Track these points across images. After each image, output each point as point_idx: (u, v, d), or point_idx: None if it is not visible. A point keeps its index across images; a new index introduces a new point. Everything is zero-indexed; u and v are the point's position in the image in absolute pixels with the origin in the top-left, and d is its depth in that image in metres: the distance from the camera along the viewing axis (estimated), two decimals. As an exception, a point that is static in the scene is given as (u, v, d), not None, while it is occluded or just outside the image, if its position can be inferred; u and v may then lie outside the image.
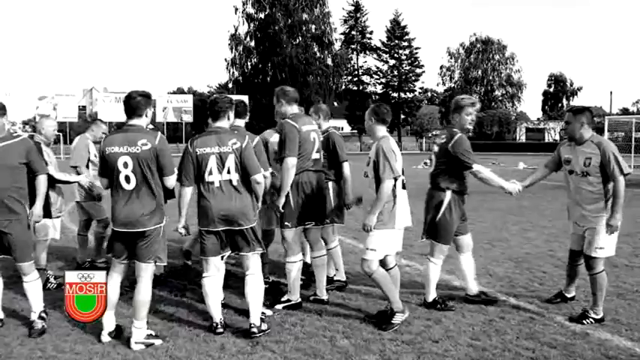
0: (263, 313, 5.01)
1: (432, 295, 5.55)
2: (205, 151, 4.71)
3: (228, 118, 4.91)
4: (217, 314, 4.87)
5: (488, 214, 12.33)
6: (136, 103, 4.52)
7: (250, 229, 4.81)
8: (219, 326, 4.82)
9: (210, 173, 4.70)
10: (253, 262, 4.89)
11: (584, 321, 5.06)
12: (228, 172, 4.71)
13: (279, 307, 5.48)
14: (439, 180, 5.50)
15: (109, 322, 4.68)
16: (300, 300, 5.55)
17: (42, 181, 4.92)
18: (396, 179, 4.93)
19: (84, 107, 53.39)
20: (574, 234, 5.51)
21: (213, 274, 4.87)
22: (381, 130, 5.13)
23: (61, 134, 48.76)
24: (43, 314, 5.00)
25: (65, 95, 49.97)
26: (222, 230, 4.77)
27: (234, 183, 4.74)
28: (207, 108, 4.92)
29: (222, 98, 4.93)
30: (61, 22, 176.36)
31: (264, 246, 5.13)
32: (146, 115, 4.58)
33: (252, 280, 4.84)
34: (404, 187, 5.24)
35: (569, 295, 5.67)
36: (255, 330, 4.70)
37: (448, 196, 5.44)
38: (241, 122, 5.56)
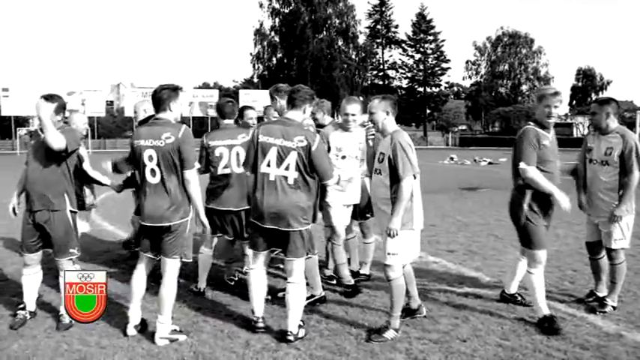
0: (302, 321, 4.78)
1: (543, 310, 4.85)
2: (268, 140, 4.51)
3: (304, 112, 4.69)
4: (260, 309, 4.75)
5: (516, 210, 12.06)
6: (159, 96, 4.49)
7: (299, 232, 4.55)
8: (259, 321, 4.72)
9: (268, 165, 4.51)
10: (297, 268, 4.62)
11: (603, 310, 5.20)
12: (287, 168, 4.48)
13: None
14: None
15: (134, 315, 4.68)
16: (323, 294, 5.49)
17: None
18: (415, 176, 4.58)
19: (111, 102, 54.09)
20: (588, 224, 5.57)
21: (260, 267, 4.73)
22: (394, 123, 4.75)
23: (89, 128, 49.49)
24: (71, 308, 5.03)
25: (93, 90, 50.61)
26: (270, 228, 4.57)
27: (290, 181, 4.49)
28: (288, 94, 4.74)
29: (304, 89, 4.71)
30: (89, 19, 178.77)
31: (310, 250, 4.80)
32: (170, 109, 4.51)
33: (293, 289, 4.59)
34: None
35: (600, 294, 5.51)
36: (291, 338, 4.52)
37: (528, 196, 4.86)
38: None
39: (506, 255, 7.60)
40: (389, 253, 4.59)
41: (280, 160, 4.48)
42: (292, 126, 4.55)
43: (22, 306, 5.01)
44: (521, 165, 4.78)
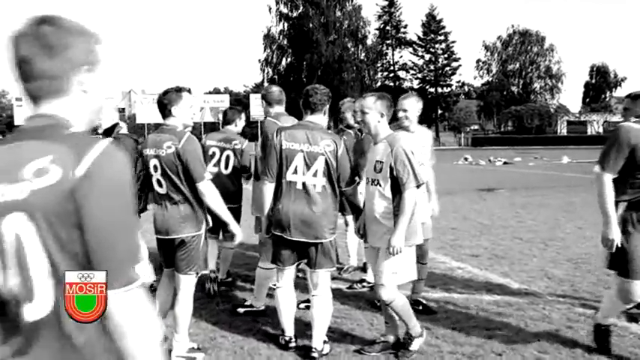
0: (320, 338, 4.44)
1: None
2: (293, 146, 4.19)
3: (325, 114, 4.42)
4: (291, 328, 4.43)
5: (538, 210, 11.76)
6: (161, 101, 4.18)
7: (328, 242, 4.28)
8: (292, 341, 4.41)
9: (295, 172, 4.19)
10: (323, 280, 4.31)
11: None
12: (315, 175, 4.17)
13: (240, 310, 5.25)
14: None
15: None
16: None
17: None
18: (419, 187, 4.04)
19: (123, 109, 54.25)
20: None
21: (288, 284, 4.39)
22: (387, 127, 4.21)
23: (100, 137, 49.66)
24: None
25: (104, 98, 50.74)
26: (297, 241, 4.24)
27: (319, 189, 4.19)
28: (302, 97, 4.39)
29: (321, 89, 4.40)
30: (100, 27, 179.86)
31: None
32: (173, 114, 4.12)
33: (319, 302, 4.29)
34: None
35: None
36: (316, 355, 4.24)
37: (620, 210, 3.94)
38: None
39: (532, 259, 7.30)
40: (386, 273, 4.03)
41: (307, 166, 4.18)
42: (317, 130, 4.26)
43: None
44: (596, 168, 4.04)
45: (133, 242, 1.38)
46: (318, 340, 4.29)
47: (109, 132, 5.62)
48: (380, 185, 4.06)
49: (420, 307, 5.17)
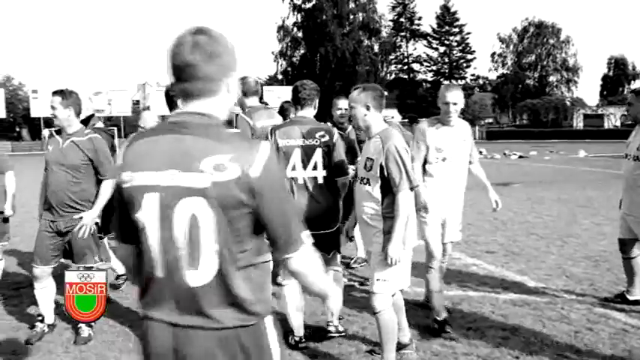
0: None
1: None
2: (289, 143, 4.20)
3: (315, 108, 4.43)
4: (300, 328, 4.33)
5: (555, 205, 11.55)
6: (168, 93, 4.17)
7: (335, 231, 4.31)
8: (302, 341, 4.30)
9: (294, 169, 4.18)
10: (335, 257, 4.40)
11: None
12: (315, 168, 4.17)
13: None
14: None
15: None
16: None
17: (105, 187, 4.56)
18: (413, 189, 3.73)
19: (137, 102, 54.37)
20: (622, 219, 5.17)
21: (294, 281, 4.33)
22: (381, 121, 3.87)
23: (115, 128, 50.03)
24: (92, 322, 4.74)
25: (119, 90, 50.92)
26: None
27: (320, 181, 4.18)
28: (292, 92, 4.43)
29: (309, 84, 4.43)
30: (115, 20, 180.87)
31: None
32: (179, 107, 4.07)
33: (334, 276, 4.35)
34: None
35: (632, 298, 5.12)
36: (332, 329, 4.39)
37: None
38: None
39: (549, 256, 7.12)
40: (377, 280, 3.74)
41: (306, 160, 4.18)
42: (309, 124, 4.29)
43: (40, 318, 4.71)
44: None
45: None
46: (335, 316, 4.38)
47: (83, 123, 5.48)
48: (369, 184, 3.76)
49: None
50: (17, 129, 56.61)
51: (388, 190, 3.67)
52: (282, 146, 4.19)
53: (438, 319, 4.54)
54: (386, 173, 3.65)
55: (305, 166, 4.18)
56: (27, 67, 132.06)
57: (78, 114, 4.54)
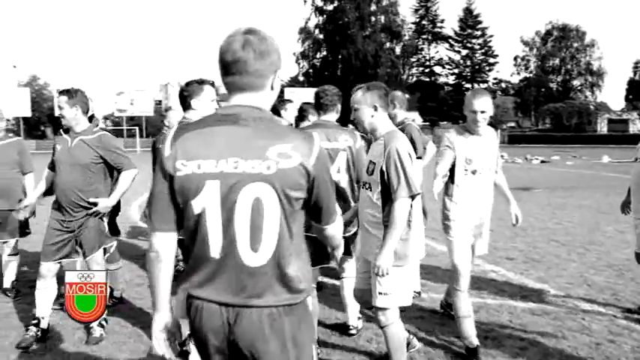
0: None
1: None
2: None
3: (337, 112, 4.40)
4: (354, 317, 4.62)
5: (577, 212, 11.32)
6: (182, 94, 4.09)
7: (352, 235, 4.34)
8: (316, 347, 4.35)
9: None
10: (350, 265, 4.51)
11: None
12: (338, 171, 4.12)
13: None
14: None
15: None
16: None
17: (124, 178, 4.58)
18: (413, 197, 3.43)
19: (159, 102, 54.83)
20: (636, 226, 5.06)
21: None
22: (388, 122, 3.59)
23: (137, 128, 50.50)
24: (104, 321, 4.71)
25: (141, 90, 51.42)
26: None
27: (343, 184, 4.15)
28: (314, 98, 4.43)
29: (331, 90, 4.38)
30: (139, 21, 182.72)
31: None
32: (192, 107, 4.03)
33: (349, 283, 4.42)
34: (424, 213, 4.59)
35: None
36: (354, 332, 4.58)
37: None
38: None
39: (571, 264, 6.94)
40: (380, 293, 3.51)
41: (331, 162, 4.11)
42: (333, 127, 4.25)
43: (34, 322, 4.59)
44: None
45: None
46: (353, 317, 4.56)
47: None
48: (370, 190, 3.52)
49: (452, 313, 4.89)
50: (42, 127, 57.54)
51: (389, 196, 3.42)
52: None
53: (470, 346, 4.15)
54: (386, 178, 3.41)
55: None
56: (52, 66, 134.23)
57: (85, 112, 4.50)
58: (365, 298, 3.75)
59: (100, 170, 4.53)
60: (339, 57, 61.42)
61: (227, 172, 1.85)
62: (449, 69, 71.69)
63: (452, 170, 4.09)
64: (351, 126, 5.87)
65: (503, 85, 79.78)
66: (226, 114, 1.91)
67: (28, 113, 46.38)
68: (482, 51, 70.64)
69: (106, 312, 4.74)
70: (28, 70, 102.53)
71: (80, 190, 4.44)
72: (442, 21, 70.90)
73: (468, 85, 70.20)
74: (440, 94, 69.09)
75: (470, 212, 4.15)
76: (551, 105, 65.54)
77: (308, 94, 44.28)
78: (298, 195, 1.89)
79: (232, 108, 1.92)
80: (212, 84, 4.15)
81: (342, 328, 4.66)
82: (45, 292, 4.58)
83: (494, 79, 73.65)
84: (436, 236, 7.99)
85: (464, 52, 70.75)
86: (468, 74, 70.43)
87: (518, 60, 74.48)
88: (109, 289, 5.07)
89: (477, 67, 70.44)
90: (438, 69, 72.09)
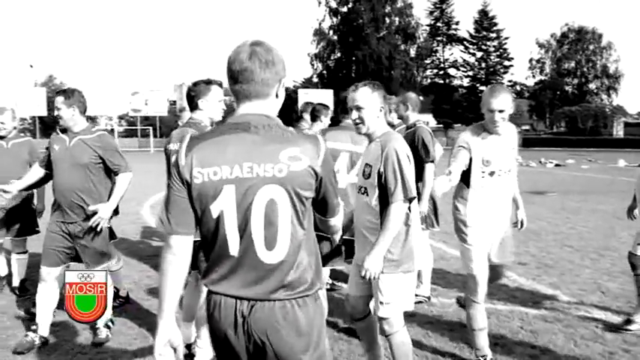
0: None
1: None
2: (336, 146, 4.26)
3: None
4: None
5: (592, 216, 11.16)
6: (189, 94, 4.07)
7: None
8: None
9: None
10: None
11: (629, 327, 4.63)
12: (357, 174, 4.03)
13: None
14: None
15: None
16: None
17: (121, 180, 4.51)
18: (410, 200, 3.33)
19: (174, 102, 55.14)
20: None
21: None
22: (385, 124, 3.49)
23: (151, 128, 50.84)
24: (110, 323, 4.69)
25: (155, 90, 51.73)
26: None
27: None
28: (341, 102, 4.49)
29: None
30: (153, 21, 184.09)
31: None
32: (199, 107, 4.02)
33: None
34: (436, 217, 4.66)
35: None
36: None
37: None
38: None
39: (584, 270, 6.83)
40: (381, 303, 3.38)
41: (350, 166, 4.21)
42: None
43: (34, 327, 4.51)
44: None
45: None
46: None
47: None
48: (367, 194, 3.38)
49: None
50: (58, 127, 58.10)
51: (387, 200, 3.28)
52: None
53: (481, 357, 4.00)
54: (383, 180, 3.28)
55: (348, 172, 4.22)
56: (69, 67, 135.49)
57: (83, 112, 4.47)
58: (358, 308, 3.61)
59: (100, 171, 4.47)
60: (354, 58, 61.41)
61: (242, 176, 1.97)
62: (463, 71, 71.30)
63: (467, 173, 3.84)
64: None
65: (518, 87, 79.22)
66: (237, 122, 2.03)
67: (44, 113, 46.81)
68: (497, 53, 70.11)
69: (112, 313, 4.73)
70: (45, 70, 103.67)
71: (80, 190, 4.38)
72: (457, 23, 70.52)
73: (483, 88, 69.74)
74: (454, 96, 68.73)
75: (488, 217, 3.91)
76: (566, 108, 64.97)
77: (322, 96, 44.34)
78: (308, 194, 2.03)
79: (242, 117, 2.04)
80: (220, 84, 4.11)
81: (351, 332, 4.60)
82: (46, 297, 4.49)
83: (509, 81, 73.05)
84: (447, 240, 7.92)
85: (479, 54, 70.28)
86: (483, 77, 69.92)
87: (534, 62, 74.01)
88: (114, 290, 5.07)
89: (491, 69, 69.92)
90: (452, 71, 71.76)
